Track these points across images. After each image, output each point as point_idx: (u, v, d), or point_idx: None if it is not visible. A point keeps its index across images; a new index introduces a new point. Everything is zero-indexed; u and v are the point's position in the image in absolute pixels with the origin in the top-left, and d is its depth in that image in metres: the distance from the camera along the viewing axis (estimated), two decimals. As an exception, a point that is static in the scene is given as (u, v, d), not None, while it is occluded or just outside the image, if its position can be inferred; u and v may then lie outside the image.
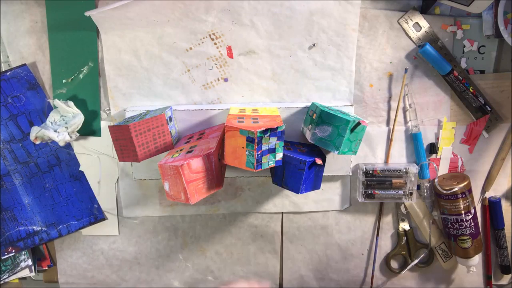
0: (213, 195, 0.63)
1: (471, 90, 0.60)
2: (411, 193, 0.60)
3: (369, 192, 0.61)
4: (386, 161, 0.63)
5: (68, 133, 0.57)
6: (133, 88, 0.59)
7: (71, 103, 0.58)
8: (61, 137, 0.56)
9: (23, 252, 0.63)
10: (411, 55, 0.60)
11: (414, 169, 0.60)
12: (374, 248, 0.66)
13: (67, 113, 0.58)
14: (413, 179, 0.60)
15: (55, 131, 0.56)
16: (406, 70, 0.59)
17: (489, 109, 0.61)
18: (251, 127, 0.45)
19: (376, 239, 0.66)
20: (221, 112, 0.58)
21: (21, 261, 0.64)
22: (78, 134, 0.59)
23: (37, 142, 0.56)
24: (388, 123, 0.62)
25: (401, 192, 0.61)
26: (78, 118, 0.57)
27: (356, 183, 0.63)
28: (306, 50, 0.59)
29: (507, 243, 0.65)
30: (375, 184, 0.61)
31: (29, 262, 0.64)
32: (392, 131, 0.61)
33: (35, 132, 0.56)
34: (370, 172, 0.60)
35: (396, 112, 0.61)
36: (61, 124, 0.57)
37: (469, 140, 0.63)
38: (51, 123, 0.57)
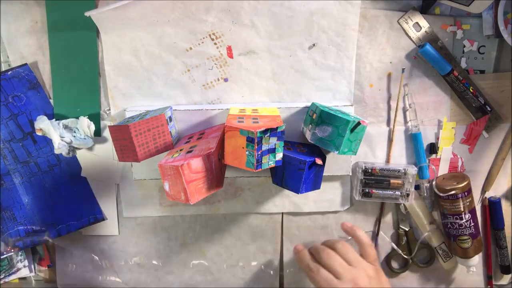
0: (213, 195, 0.63)
1: (471, 90, 0.60)
2: (407, 195, 0.60)
3: (366, 190, 0.61)
4: (387, 161, 0.63)
5: (69, 147, 0.56)
6: (133, 88, 0.59)
7: (92, 128, 0.58)
8: (60, 146, 0.55)
9: (19, 253, 0.63)
10: (411, 55, 0.60)
11: (413, 170, 0.60)
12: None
13: (82, 132, 0.57)
14: (411, 181, 0.60)
15: (61, 136, 0.56)
16: (403, 70, 0.59)
17: (489, 109, 0.61)
18: (251, 127, 0.45)
19: (376, 239, 0.66)
20: (221, 112, 0.58)
21: (18, 262, 0.64)
22: (75, 154, 0.59)
23: (39, 134, 0.56)
24: (388, 123, 0.62)
25: (398, 193, 0.61)
26: (86, 142, 0.57)
27: (354, 182, 0.63)
28: (306, 50, 0.59)
29: (507, 243, 0.65)
30: (373, 183, 0.61)
31: (26, 262, 0.64)
32: (392, 131, 0.62)
33: (43, 124, 0.55)
34: (369, 170, 0.60)
35: (396, 112, 0.61)
36: (69, 135, 0.56)
37: (469, 140, 0.63)
38: (63, 125, 0.57)
